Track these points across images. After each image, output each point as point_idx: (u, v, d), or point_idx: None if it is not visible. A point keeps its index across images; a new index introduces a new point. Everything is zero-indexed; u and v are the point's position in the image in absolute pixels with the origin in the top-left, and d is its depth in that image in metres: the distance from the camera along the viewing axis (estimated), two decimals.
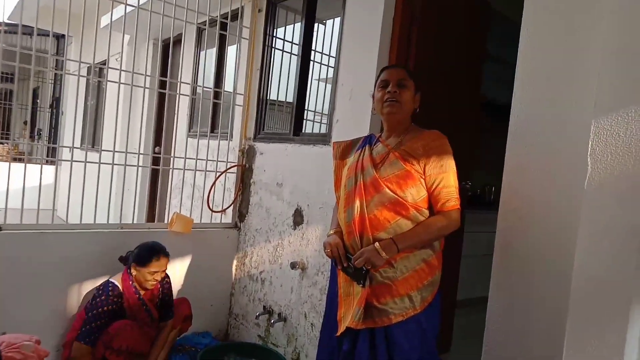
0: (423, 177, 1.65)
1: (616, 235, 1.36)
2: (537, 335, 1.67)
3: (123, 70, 3.09)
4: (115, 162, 2.89)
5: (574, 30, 1.62)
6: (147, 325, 2.55)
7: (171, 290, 2.71)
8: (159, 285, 2.62)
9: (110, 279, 2.52)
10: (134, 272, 2.49)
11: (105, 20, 4.38)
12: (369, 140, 1.85)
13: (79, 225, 2.74)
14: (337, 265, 1.75)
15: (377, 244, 1.62)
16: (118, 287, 2.47)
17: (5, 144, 8.23)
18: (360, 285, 1.65)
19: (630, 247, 1.33)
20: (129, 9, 3.28)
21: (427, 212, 1.68)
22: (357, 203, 1.70)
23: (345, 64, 2.59)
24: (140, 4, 3.10)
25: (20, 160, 4.44)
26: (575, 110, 1.60)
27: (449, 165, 1.66)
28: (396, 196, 1.64)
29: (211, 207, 3.29)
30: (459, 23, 2.74)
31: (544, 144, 1.69)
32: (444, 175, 1.64)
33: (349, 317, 1.69)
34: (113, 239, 2.75)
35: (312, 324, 2.65)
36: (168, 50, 4.71)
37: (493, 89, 3.90)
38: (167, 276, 2.67)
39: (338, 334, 1.72)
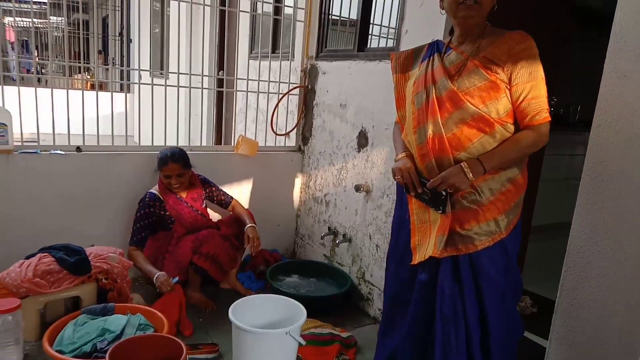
0: (509, 87, 1.45)
1: None
2: (627, 260, 1.52)
3: None
4: (181, 85, 2.91)
5: None
6: (205, 224, 2.69)
7: (214, 185, 2.82)
8: (201, 186, 2.74)
9: (149, 190, 2.65)
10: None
11: None
12: (436, 48, 1.60)
13: (150, 147, 2.84)
14: (409, 192, 1.59)
15: (463, 164, 1.45)
16: (155, 194, 2.62)
17: (82, 73, 8.64)
18: (440, 211, 1.50)
19: None
20: None
21: (512, 127, 1.49)
22: (432, 121, 1.50)
23: None
24: None
25: (98, 87, 4.72)
26: None
27: (538, 72, 1.45)
28: (479, 111, 1.44)
29: (275, 130, 3.28)
30: None
31: None
32: (534, 83, 1.43)
33: (426, 246, 1.57)
34: None
35: (377, 245, 2.65)
36: None
37: None
38: (201, 177, 2.78)
39: (414, 262, 1.60)
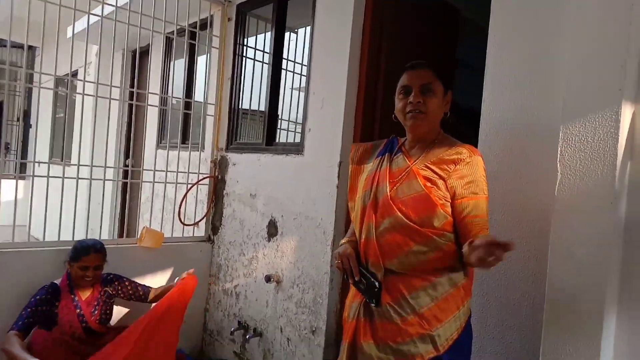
0: (449, 200, 1.40)
1: (588, 242, 1.35)
2: (514, 345, 1.65)
3: (88, 82, 3.00)
4: (81, 177, 2.79)
5: (541, 36, 1.63)
6: (78, 338, 2.40)
7: (125, 280, 2.64)
8: (99, 289, 2.52)
9: (54, 281, 2.45)
10: (69, 268, 2.45)
11: (70, 31, 4.28)
12: (390, 147, 1.58)
13: (41, 242, 2.62)
14: (349, 279, 1.53)
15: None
16: (57, 285, 2.43)
17: None
18: (372, 304, 1.45)
19: (603, 254, 1.32)
20: (94, 19, 3.20)
21: (451, 235, 1.41)
22: (367, 224, 1.48)
23: (317, 72, 2.56)
24: (105, 13, 3.01)
25: None
26: (545, 116, 1.60)
27: (483, 190, 1.41)
28: (409, 222, 1.39)
29: (182, 221, 3.20)
30: (430, 31, 2.75)
31: (514, 150, 1.69)
32: (477, 201, 1.39)
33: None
34: None
35: (288, 338, 2.58)
36: (137, 60, 4.63)
37: (467, 96, 3.94)
38: (112, 275, 2.62)
39: None
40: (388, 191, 1.46)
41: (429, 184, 1.41)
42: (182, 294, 2.53)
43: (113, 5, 2.90)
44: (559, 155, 1.44)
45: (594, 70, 1.37)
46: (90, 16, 2.86)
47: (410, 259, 1.42)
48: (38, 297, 2.36)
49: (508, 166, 1.69)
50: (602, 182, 1.33)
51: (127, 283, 2.65)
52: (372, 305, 1.45)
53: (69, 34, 4.42)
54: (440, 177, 1.42)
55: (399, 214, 1.41)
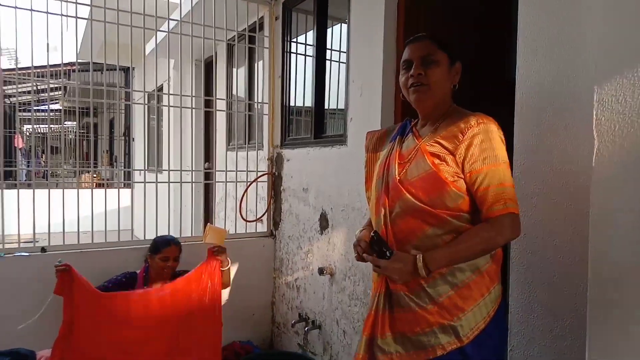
0: (460, 176, 1.29)
1: (629, 220, 1.14)
2: (562, 333, 1.46)
3: (165, 94, 3.25)
4: (171, 181, 3.04)
5: None
6: None
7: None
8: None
9: (135, 270, 2.69)
10: (149, 261, 2.64)
11: (148, 49, 4.67)
12: (402, 129, 1.50)
13: (118, 242, 2.88)
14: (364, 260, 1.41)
15: (417, 256, 1.27)
16: (135, 274, 2.65)
17: (79, 174, 9.02)
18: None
19: None
20: (163, 35, 3.45)
21: (468, 216, 1.31)
22: (382, 210, 1.39)
23: (355, 60, 2.50)
24: (173, 28, 3.24)
25: (93, 185, 5.11)
26: (582, 81, 1.39)
27: (497, 158, 1.27)
28: (420, 204, 1.30)
29: (244, 217, 3.32)
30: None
31: (553, 121, 1.49)
32: (489, 170, 1.26)
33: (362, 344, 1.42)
34: None
35: (344, 331, 2.56)
36: (209, 69, 4.90)
37: None
38: (181, 271, 2.74)
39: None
40: (397, 174, 1.37)
41: (437, 161, 1.31)
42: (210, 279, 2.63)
43: (175, 20, 3.12)
44: (594, 120, 1.24)
45: (630, 21, 1.15)
46: (161, 33, 3.09)
47: (425, 244, 1.31)
48: (116, 277, 2.60)
49: (547, 138, 1.50)
50: None
51: None
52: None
53: (148, 51, 4.82)
54: (449, 151, 1.31)
55: (408, 195, 1.32)
